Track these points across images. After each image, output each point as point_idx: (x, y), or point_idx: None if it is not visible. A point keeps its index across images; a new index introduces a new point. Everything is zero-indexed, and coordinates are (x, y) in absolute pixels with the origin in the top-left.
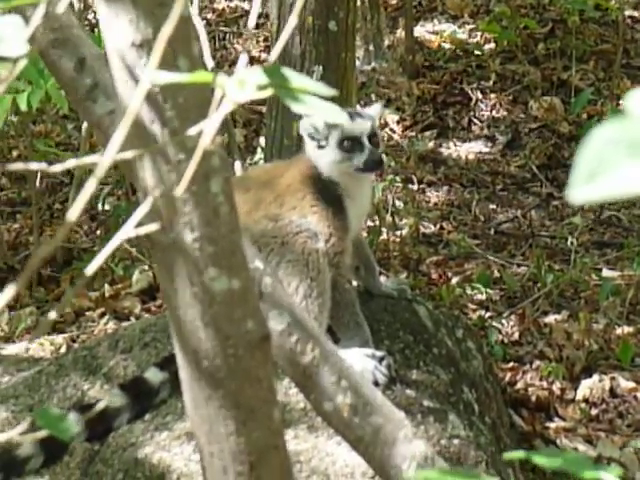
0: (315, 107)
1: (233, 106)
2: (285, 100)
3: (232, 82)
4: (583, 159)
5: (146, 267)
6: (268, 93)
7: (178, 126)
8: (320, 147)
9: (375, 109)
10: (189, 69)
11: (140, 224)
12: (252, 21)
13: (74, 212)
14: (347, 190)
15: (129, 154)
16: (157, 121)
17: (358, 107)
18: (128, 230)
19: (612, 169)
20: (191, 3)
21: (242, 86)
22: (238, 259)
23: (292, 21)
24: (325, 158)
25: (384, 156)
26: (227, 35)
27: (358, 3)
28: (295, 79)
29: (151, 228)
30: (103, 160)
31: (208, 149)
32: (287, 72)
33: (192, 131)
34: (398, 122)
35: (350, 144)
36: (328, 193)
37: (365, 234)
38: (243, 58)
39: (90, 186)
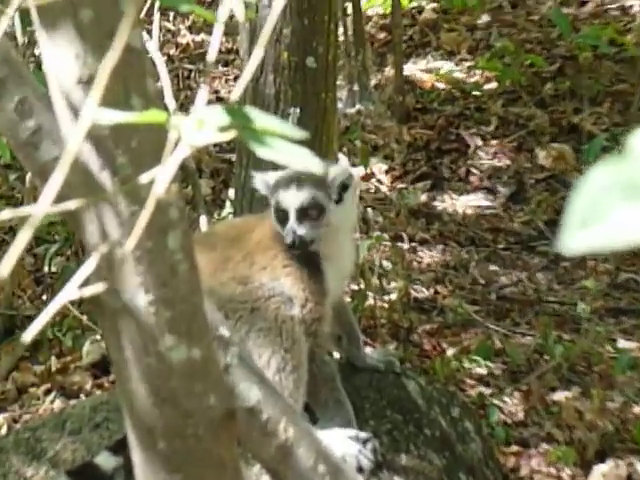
0: (284, 152)
1: (190, 150)
2: (249, 143)
3: (189, 123)
4: (576, 204)
5: (98, 337)
6: (230, 135)
7: (131, 174)
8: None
9: (338, 171)
10: (143, 108)
11: (87, 285)
12: (212, 53)
13: (5, 267)
14: (324, 249)
15: (71, 204)
16: (107, 168)
17: (341, 156)
18: (71, 291)
19: (607, 215)
20: (150, 37)
21: (200, 127)
22: (199, 325)
23: (257, 53)
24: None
25: (308, 235)
26: (192, 73)
27: (340, 37)
28: (262, 120)
29: (98, 289)
30: (38, 210)
31: (164, 200)
32: (252, 112)
33: (144, 179)
34: (386, 172)
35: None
36: (303, 251)
37: (349, 299)
38: (202, 94)
39: (23, 238)
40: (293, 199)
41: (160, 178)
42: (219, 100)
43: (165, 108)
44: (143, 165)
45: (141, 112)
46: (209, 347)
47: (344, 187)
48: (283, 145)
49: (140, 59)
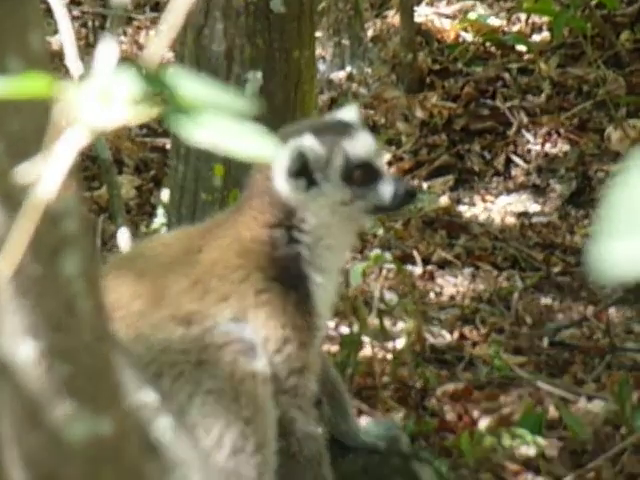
0: (225, 133)
1: (89, 135)
2: (173, 123)
3: (87, 94)
4: (616, 206)
5: None
6: (150, 113)
7: (6, 167)
8: (311, 185)
9: (349, 113)
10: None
11: None
12: None
13: None
14: (324, 258)
15: None
16: None
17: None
18: None
19: None
20: None
21: (105, 101)
22: (109, 386)
23: None
24: (321, 201)
25: None
26: (110, 20)
27: None
28: (194, 88)
29: None
30: None
31: (55, 205)
32: (180, 77)
33: (25, 174)
34: (391, 163)
35: (361, 173)
36: (290, 266)
37: (332, 347)
38: (108, 50)
39: None
40: (370, 144)
41: (47, 173)
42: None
43: (66, 73)
44: (24, 155)
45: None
46: (124, 418)
47: None
48: (224, 123)
49: (19, 3)
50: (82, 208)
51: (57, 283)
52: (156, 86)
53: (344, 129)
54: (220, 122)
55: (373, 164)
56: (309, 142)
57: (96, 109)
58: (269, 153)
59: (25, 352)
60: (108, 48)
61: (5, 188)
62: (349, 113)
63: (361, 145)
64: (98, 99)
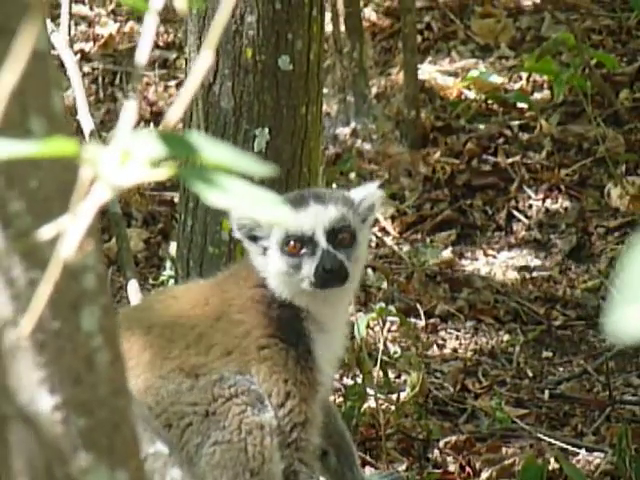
0: (242, 197)
1: (111, 193)
2: (192, 185)
3: (109, 156)
4: (633, 270)
5: None
6: (167, 173)
7: (30, 226)
8: (264, 251)
9: (368, 190)
10: (46, 134)
11: None
12: (144, 51)
13: None
14: (316, 317)
15: None
16: None
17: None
18: None
19: None
20: (56, 27)
21: (125, 162)
22: (125, 439)
23: (205, 53)
24: (270, 267)
25: (349, 264)
26: (118, 77)
27: (328, 26)
28: (211, 151)
29: None
30: None
31: (76, 263)
32: (198, 139)
33: (47, 233)
34: (394, 218)
35: (299, 245)
36: (288, 324)
37: (338, 398)
38: (128, 113)
39: None
40: (318, 217)
41: (69, 232)
42: (156, 117)
43: (78, 130)
44: (47, 214)
45: (43, 139)
46: (139, 470)
47: (370, 210)
48: (240, 187)
49: (42, 64)
50: (101, 265)
51: (76, 338)
52: (175, 148)
53: (296, 202)
54: (237, 184)
55: (314, 238)
56: (240, 214)
57: (116, 169)
58: (281, 217)
59: (44, 405)
60: (129, 110)
61: (26, 246)
62: (366, 189)
63: (304, 219)
64: (119, 159)
